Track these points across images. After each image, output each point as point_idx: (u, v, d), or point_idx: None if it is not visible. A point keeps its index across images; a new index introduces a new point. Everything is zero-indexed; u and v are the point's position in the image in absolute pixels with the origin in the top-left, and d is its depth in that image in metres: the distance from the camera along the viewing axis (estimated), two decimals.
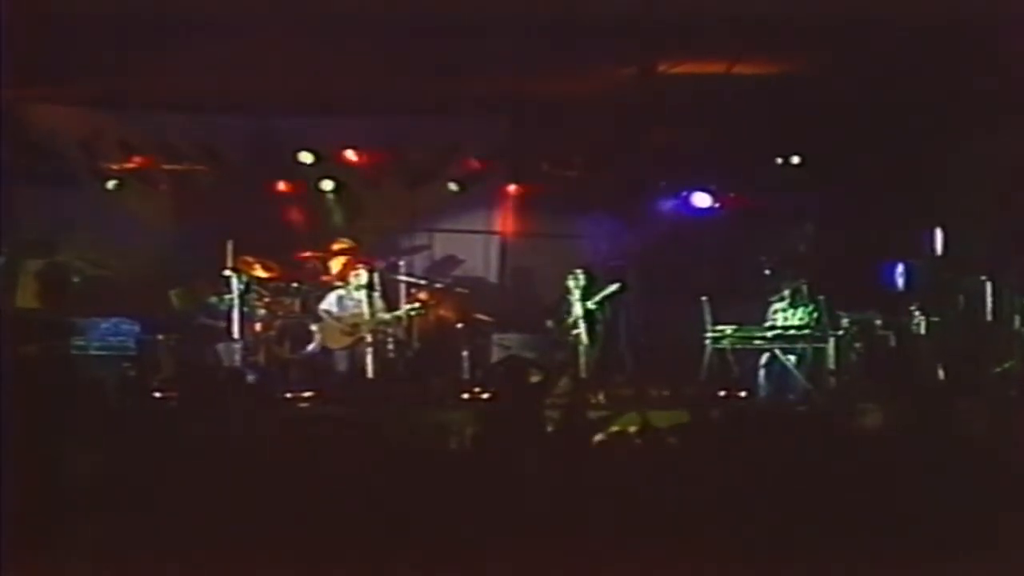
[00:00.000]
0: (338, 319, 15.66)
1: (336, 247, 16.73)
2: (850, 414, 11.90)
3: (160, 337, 15.36)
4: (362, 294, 15.69)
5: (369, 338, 15.61)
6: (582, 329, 15.34)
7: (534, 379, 11.73)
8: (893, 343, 15.36)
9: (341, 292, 15.81)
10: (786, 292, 15.28)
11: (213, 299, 15.78)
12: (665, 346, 15.62)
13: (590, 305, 15.35)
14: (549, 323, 15.70)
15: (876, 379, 14.53)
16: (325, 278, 16.45)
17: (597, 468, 8.77)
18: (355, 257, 16.39)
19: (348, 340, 15.62)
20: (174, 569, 7.05)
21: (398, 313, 15.89)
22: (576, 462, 8.88)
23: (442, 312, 16.53)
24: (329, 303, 15.75)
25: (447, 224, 17.89)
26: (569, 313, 15.46)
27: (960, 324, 15.41)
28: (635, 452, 9.89)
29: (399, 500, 7.58)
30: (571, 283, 15.53)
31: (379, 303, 15.75)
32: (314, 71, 14.64)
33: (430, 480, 7.92)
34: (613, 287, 15.36)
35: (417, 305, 16.02)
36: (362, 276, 15.76)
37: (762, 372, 15.04)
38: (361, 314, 15.64)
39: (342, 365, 15.65)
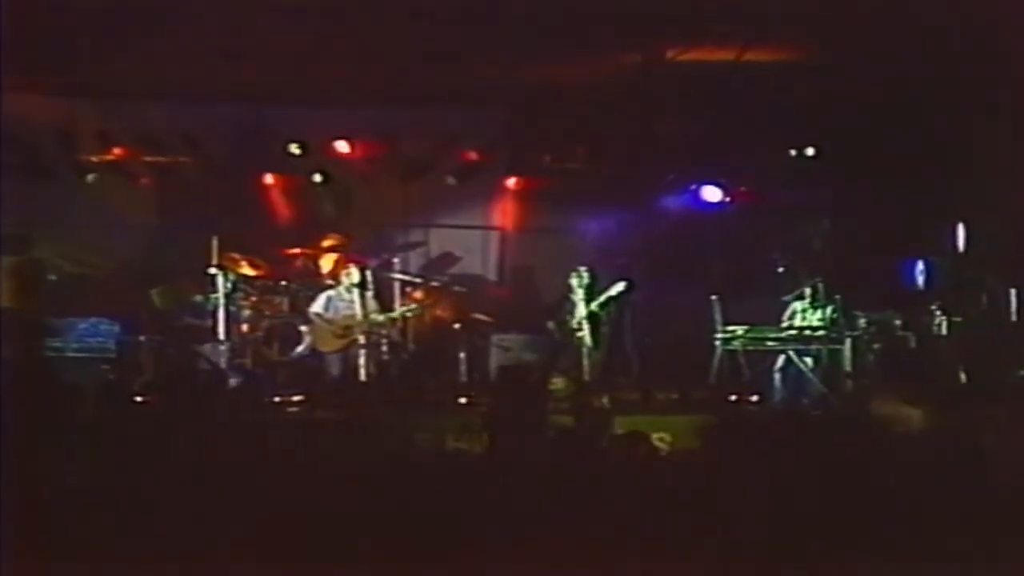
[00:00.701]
0: (329, 321, 15.31)
1: (327, 243, 16.50)
2: (868, 418, 11.61)
3: (142, 338, 15.03)
4: (354, 293, 15.37)
5: (362, 340, 15.28)
6: (586, 330, 14.92)
7: (533, 382, 11.49)
8: (912, 344, 15.07)
9: (332, 292, 15.52)
10: (806, 291, 14.98)
11: (198, 298, 15.49)
12: (673, 347, 15.29)
13: (594, 306, 14.89)
14: (551, 324, 15.28)
15: (894, 382, 14.17)
16: (315, 276, 16.22)
17: (596, 473, 8.56)
18: (347, 254, 16.12)
19: (340, 343, 15.30)
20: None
21: (392, 314, 15.60)
22: (575, 468, 8.65)
23: (439, 312, 16.28)
24: (320, 305, 15.45)
25: (444, 219, 17.68)
26: (572, 313, 15.05)
27: (983, 324, 15.10)
28: (636, 457, 9.65)
29: (391, 507, 7.20)
30: (574, 281, 15.10)
31: (372, 303, 15.46)
32: (304, 59, 14.44)
33: (425, 485, 7.59)
34: (619, 287, 14.95)
35: (412, 305, 15.82)
36: (354, 274, 15.44)
37: (777, 376, 14.74)
38: (353, 315, 15.32)
39: (334, 368, 15.35)
